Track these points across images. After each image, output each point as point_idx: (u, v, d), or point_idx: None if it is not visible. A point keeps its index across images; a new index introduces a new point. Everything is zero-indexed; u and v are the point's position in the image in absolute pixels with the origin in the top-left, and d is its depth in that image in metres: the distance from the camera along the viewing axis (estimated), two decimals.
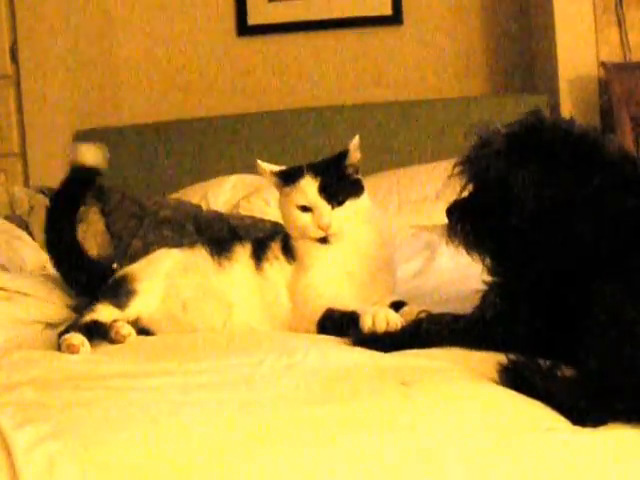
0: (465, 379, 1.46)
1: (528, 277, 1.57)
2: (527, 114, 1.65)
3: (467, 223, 1.66)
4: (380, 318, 1.76)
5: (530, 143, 1.59)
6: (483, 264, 1.69)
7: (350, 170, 1.99)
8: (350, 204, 1.96)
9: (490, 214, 1.61)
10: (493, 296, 1.68)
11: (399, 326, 1.76)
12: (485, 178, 1.62)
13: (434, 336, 1.67)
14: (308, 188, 1.95)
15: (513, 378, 1.42)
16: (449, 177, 1.68)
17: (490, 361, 1.50)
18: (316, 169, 1.97)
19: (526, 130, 1.62)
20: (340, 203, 1.95)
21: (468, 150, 1.66)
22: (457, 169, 1.67)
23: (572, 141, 1.58)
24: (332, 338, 1.80)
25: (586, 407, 1.30)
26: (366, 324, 1.77)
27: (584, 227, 1.49)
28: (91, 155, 2.14)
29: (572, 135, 1.60)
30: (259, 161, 2.03)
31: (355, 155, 1.99)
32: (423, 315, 1.77)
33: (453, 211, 1.69)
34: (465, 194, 1.68)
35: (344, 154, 1.99)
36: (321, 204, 1.94)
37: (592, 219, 1.49)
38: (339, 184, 1.96)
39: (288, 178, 2.00)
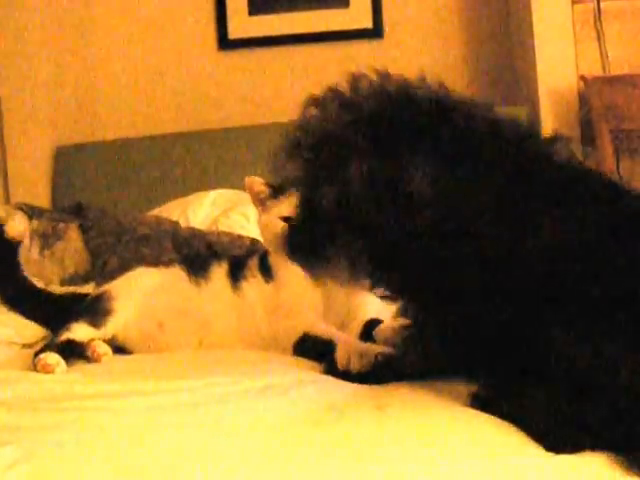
0: (441, 403, 1.43)
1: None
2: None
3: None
4: (355, 359, 1.66)
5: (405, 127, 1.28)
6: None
7: None
8: None
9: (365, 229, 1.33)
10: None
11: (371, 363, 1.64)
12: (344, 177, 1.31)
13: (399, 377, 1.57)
14: (293, 198, 1.97)
15: (482, 405, 1.36)
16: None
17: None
18: None
19: (393, 107, 1.30)
20: None
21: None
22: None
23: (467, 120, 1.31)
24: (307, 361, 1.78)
25: (558, 436, 1.24)
26: (340, 362, 1.67)
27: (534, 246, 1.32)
28: None
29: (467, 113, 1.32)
30: (250, 177, 2.04)
31: None
32: (380, 358, 1.63)
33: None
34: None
35: None
36: None
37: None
38: None
39: (274, 193, 2.02)
